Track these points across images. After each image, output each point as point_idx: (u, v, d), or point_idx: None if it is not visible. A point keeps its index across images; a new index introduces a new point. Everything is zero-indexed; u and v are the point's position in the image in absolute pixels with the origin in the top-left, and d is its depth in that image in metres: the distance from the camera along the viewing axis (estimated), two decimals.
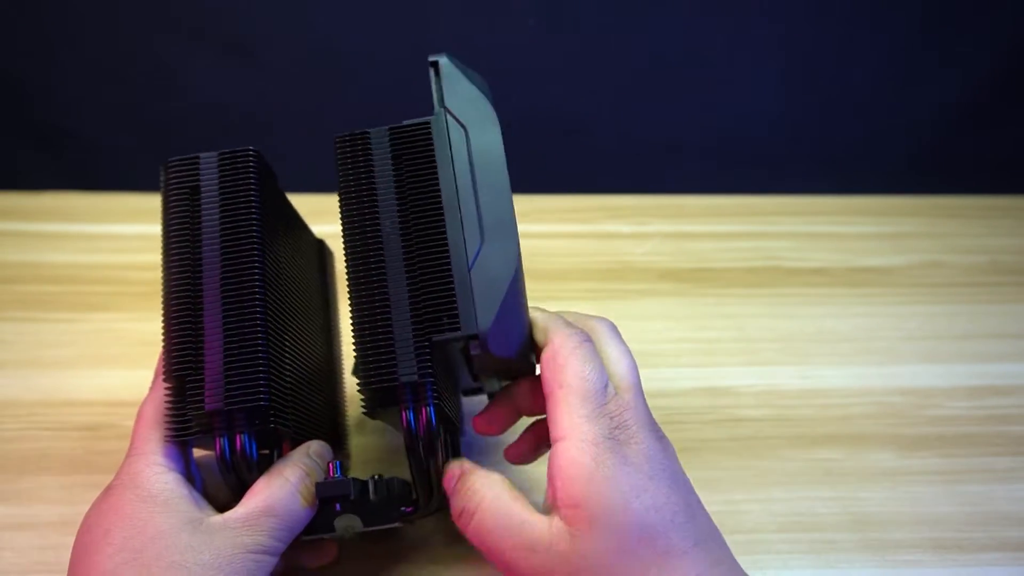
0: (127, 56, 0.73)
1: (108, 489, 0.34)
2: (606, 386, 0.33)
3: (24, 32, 0.71)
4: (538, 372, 0.36)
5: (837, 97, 0.79)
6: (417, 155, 0.36)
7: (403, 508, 0.37)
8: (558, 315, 0.37)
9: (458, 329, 0.33)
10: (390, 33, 0.72)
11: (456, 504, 0.35)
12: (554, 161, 0.77)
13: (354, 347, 0.34)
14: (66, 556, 0.42)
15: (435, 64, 0.37)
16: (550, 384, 0.34)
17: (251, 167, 0.37)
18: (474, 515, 0.33)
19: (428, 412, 0.34)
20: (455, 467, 0.36)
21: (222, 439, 0.34)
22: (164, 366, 0.35)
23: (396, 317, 0.34)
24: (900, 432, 0.52)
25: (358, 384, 0.34)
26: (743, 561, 0.43)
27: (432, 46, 0.75)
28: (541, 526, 0.32)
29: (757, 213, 0.70)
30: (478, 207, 0.34)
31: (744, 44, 0.75)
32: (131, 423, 0.50)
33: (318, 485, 0.35)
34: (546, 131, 0.76)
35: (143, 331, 0.56)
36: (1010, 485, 0.48)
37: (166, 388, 0.35)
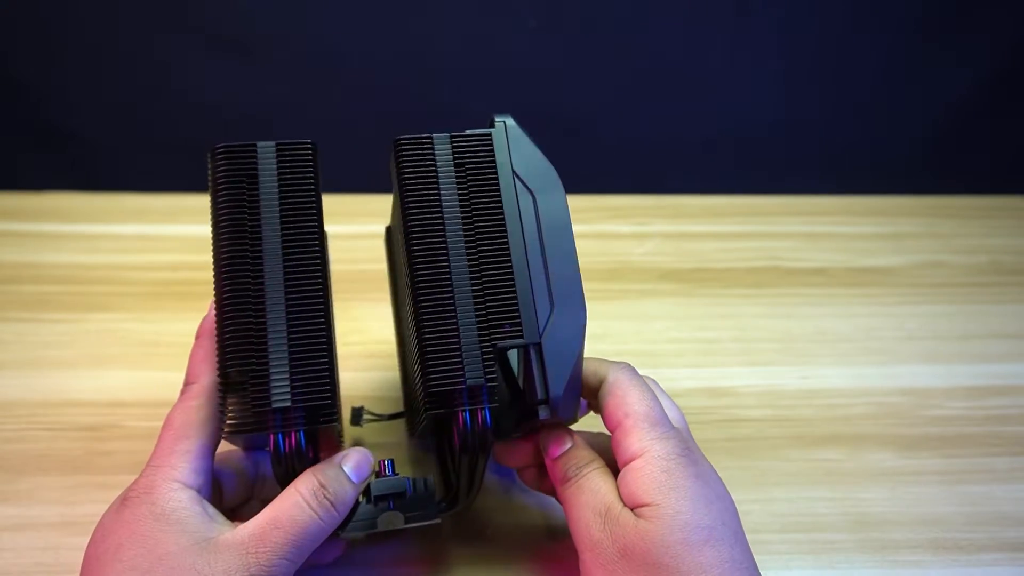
0: (127, 56, 0.73)
1: (124, 500, 0.34)
2: (663, 411, 0.37)
3: (24, 32, 0.72)
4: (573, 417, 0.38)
5: (837, 97, 0.79)
6: (481, 167, 0.38)
7: (441, 504, 0.39)
8: (604, 360, 0.39)
9: (521, 337, 0.35)
10: (390, 33, 0.72)
11: (565, 466, 0.38)
12: (554, 161, 0.76)
13: (417, 351, 0.35)
14: (66, 556, 0.42)
15: (502, 123, 0.39)
16: (615, 415, 0.37)
17: (310, 159, 0.37)
18: (583, 478, 0.37)
19: (484, 415, 0.35)
20: (565, 435, 0.39)
21: (277, 436, 0.34)
22: (221, 361, 0.34)
23: (464, 324, 0.35)
24: (900, 432, 0.52)
25: (421, 388, 0.35)
26: None
27: (432, 46, 0.75)
28: (619, 504, 0.35)
29: (757, 213, 0.70)
30: (547, 273, 0.37)
31: (744, 44, 0.75)
32: (131, 423, 0.51)
33: (373, 483, 0.37)
34: (546, 131, 0.76)
35: (143, 331, 0.56)
36: (1010, 485, 0.48)
37: (221, 383, 0.35)
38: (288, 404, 0.33)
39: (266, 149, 0.37)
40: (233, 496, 0.39)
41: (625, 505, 0.35)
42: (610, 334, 0.58)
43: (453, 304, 0.35)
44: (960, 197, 0.72)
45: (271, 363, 0.34)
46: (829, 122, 0.80)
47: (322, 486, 0.35)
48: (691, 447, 0.36)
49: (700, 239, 0.67)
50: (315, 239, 0.36)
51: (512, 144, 0.38)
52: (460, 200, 0.37)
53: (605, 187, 0.74)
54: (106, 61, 0.73)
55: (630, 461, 0.35)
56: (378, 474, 0.38)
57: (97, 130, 0.76)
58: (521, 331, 0.35)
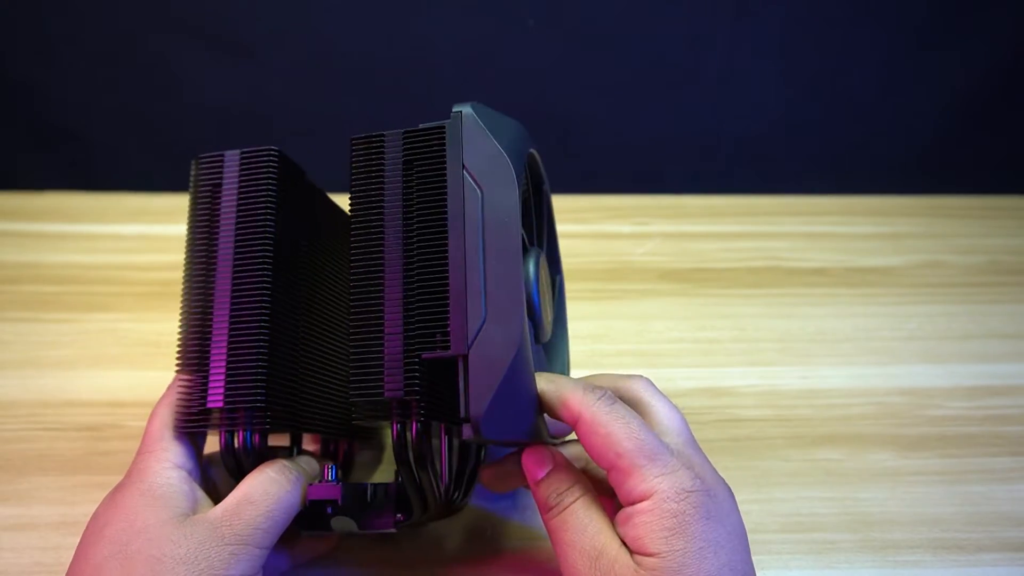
0: (127, 56, 0.73)
1: (117, 486, 0.35)
2: (658, 438, 0.33)
3: (24, 32, 0.71)
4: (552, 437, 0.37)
5: (837, 97, 0.79)
6: (429, 162, 0.35)
7: (398, 516, 0.37)
8: (576, 381, 0.35)
9: (448, 349, 0.32)
10: (390, 33, 0.72)
11: (546, 493, 0.34)
12: (554, 161, 0.76)
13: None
14: (66, 556, 0.42)
15: (458, 114, 0.35)
16: (607, 457, 0.32)
17: (271, 166, 0.37)
18: (565, 510, 0.34)
19: (415, 429, 0.33)
20: (546, 455, 0.35)
21: (226, 434, 0.35)
22: (177, 360, 0.37)
23: (389, 332, 0.33)
24: (900, 432, 0.52)
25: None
26: None
27: (432, 46, 0.75)
28: (613, 546, 0.32)
29: (757, 213, 0.70)
30: (485, 278, 0.33)
31: (744, 44, 0.75)
32: (131, 423, 0.51)
33: (309, 488, 0.36)
34: (546, 131, 0.76)
35: (143, 331, 0.56)
36: (1010, 485, 0.48)
37: (181, 381, 0.37)
38: (220, 405, 0.35)
39: (231, 158, 0.38)
40: (225, 491, 0.39)
41: (624, 545, 0.32)
42: (610, 334, 0.58)
43: (381, 311, 0.34)
44: (960, 197, 0.72)
45: (211, 365, 0.35)
46: (829, 122, 0.80)
47: (285, 465, 0.36)
48: (698, 473, 0.33)
49: (700, 239, 0.67)
50: (265, 245, 0.36)
51: (466, 136, 0.34)
52: (404, 200, 0.35)
53: (605, 187, 0.74)
54: (106, 61, 0.73)
55: (635, 503, 0.32)
56: (320, 480, 0.37)
57: (97, 130, 0.76)
58: (449, 342, 0.32)
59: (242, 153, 0.37)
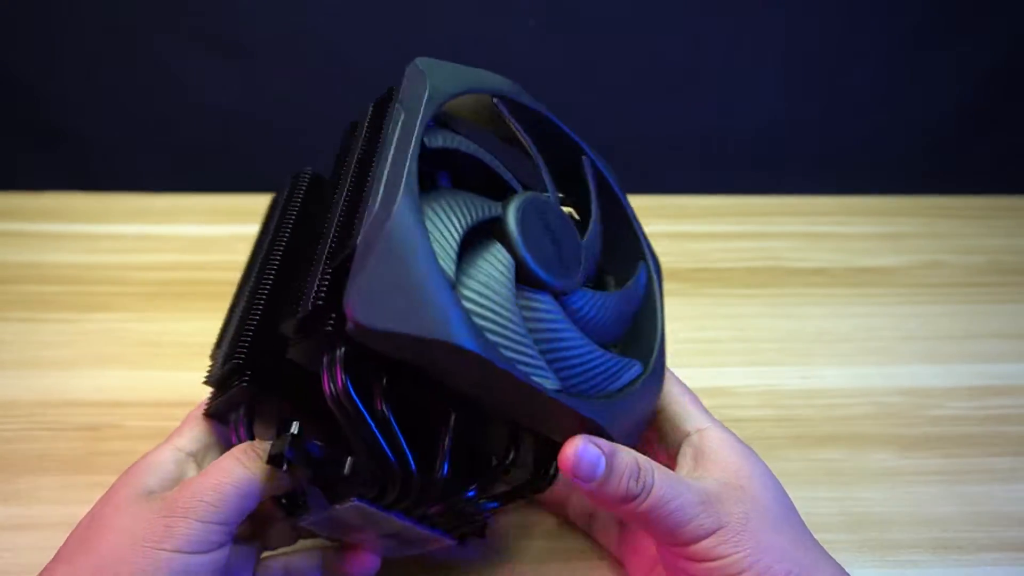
0: (127, 56, 0.73)
1: None
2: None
3: (24, 32, 0.71)
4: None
5: (837, 97, 0.79)
6: (381, 110, 0.37)
7: (356, 494, 0.32)
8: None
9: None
10: (390, 33, 0.72)
11: (623, 485, 0.32)
12: None
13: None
14: None
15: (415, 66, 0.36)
16: (671, 390, 0.38)
17: (300, 188, 0.42)
18: (653, 484, 0.32)
19: (342, 351, 0.29)
20: (591, 445, 0.32)
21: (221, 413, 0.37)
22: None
23: (316, 259, 0.33)
24: (900, 432, 0.52)
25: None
26: None
27: (432, 46, 0.75)
28: (706, 484, 0.34)
29: (757, 213, 0.70)
30: (384, 180, 0.30)
31: (744, 44, 0.75)
32: (131, 423, 0.51)
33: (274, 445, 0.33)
34: None
35: (143, 331, 0.56)
36: (1010, 485, 0.48)
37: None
38: (218, 374, 0.37)
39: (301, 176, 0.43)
40: None
41: (707, 477, 0.35)
42: None
43: (324, 243, 0.33)
44: (960, 197, 0.72)
45: (223, 346, 0.38)
46: (829, 122, 0.80)
47: (253, 446, 0.34)
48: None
49: (700, 239, 0.67)
50: (277, 253, 0.38)
51: (406, 83, 0.35)
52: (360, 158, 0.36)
53: None
54: (106, 61, 0.73)
55: (698, 431, 0.36)
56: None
57: (97, 130, 0.76)
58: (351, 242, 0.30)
59: (293, 176, 0.43)
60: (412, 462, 0.31)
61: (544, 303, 0.33)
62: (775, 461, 0.49)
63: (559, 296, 0.34)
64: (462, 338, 0.28)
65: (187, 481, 0.33)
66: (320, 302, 0.30)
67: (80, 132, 0.76)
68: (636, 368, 0.36)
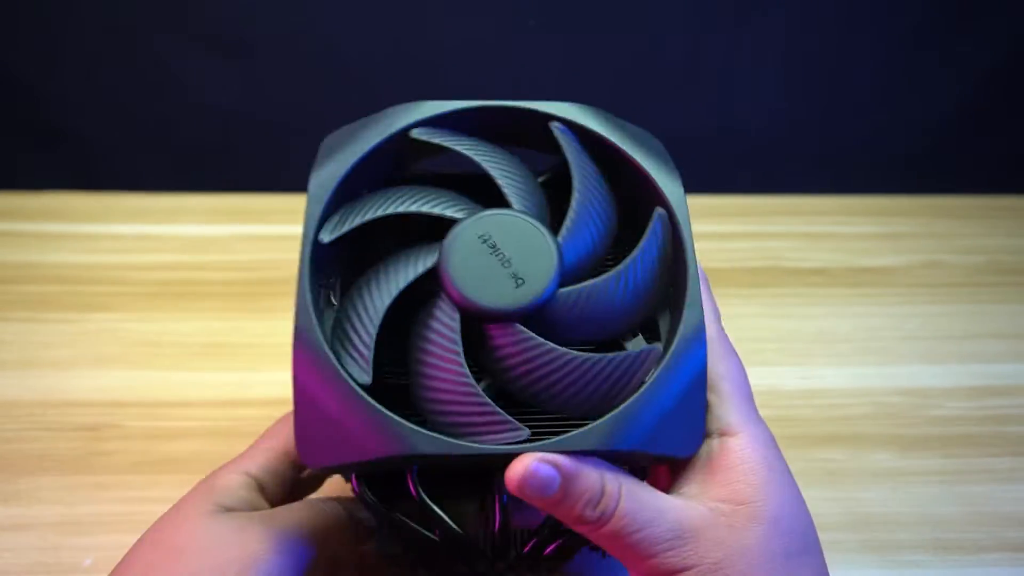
0: (127, 56, 0.73)
1: None
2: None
3: (24, 32, 0.71)
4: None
5: (837, 97, 0.78)
6: None
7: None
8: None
9: None
10: (390, 33, 0.72)
11: (578, 509, 0.28)
12: None
13: None
14: (66, 556, 0.42)
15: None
16: (712, 370, 0.31)
17: None
18: (614, 513, 0.28)
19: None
20: (542, 463, 0.28)
21: None
22: None
23: None
24: (900, 432, 0.52)
25: None
26: None
27: (432, 46, 0.75)
28: (691, 512, 0.29)
29: (757, 213, 0.70)
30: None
31: (744, 44, 0.75)
32: (131, 423, 0.51)
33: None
34: None
35: (143, 331, 0.56)
36: (1011, 485, 0.48)
37: None
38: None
39: None
40: None
41: (705, 499, 0.29)
42: None
43: None
44: (960, 197, 0.72)
45: None
46: (829, 122, 0.80)
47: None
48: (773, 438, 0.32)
49: (700, 239, 0.66)
50: None
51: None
52: None
53: None
54: (106, 61, 0.73)
55: (723, 436, 0.30)
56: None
57: (97, 130, 0.76)
58: None
59: None
60: (455, 527, 0.32)
61: (505, 336, 0.30)
62: None
63: (525, 318, 0.30)
64: (397, 447, 0.28)
65: (275, 509, 0.32)
66: None
67: (80, 132, 0.76)
68: (647, 358, 0.30)
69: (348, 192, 0.32)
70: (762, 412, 0.53)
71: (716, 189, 0.72)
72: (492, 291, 0.30)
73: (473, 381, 0.29)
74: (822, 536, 0.45)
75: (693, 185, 0.72)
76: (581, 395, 0.30)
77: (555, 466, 0.28)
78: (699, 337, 0.30)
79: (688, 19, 0.73)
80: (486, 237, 0.30)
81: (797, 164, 0.80)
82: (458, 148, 0.33)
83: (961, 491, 0.48)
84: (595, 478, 0.28)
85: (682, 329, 0.30)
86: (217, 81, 0.74)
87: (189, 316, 0.57)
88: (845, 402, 0.54)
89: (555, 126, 0.34)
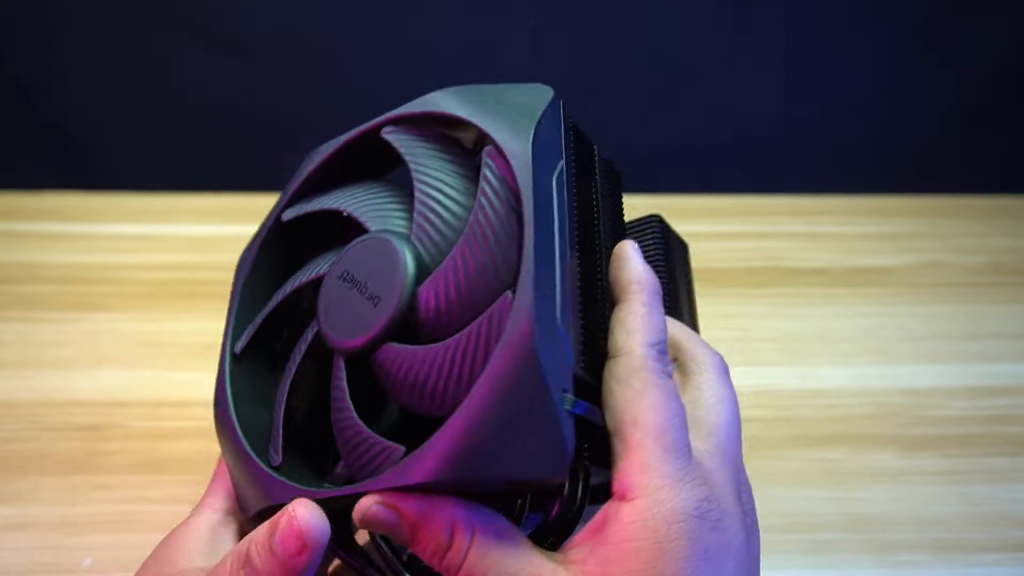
0: (127, 56, 0.73)
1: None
2: (688, 438, 0.26)
3: (24, 32, 0.71)
4: None
5: (837, 97, 0.78)
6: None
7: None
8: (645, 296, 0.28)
9: None
10: (390, 33, 0.72)
11: (424, 554, 0.25)
12: None
13: None
14: (66, 556, 0.42)
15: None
16: (621, 416, 0.26)
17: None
18: (460, 568, 0.25)
19: None
20: (382, 508, 0.25)
21: None
22: None
23: None
24: (900, 432, 0.52)
25: None
26: None
27: (432, 46, 0.75)
28: (547, 571, 0.25)
29: (757, 213, 0.70)
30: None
31: (744, 44, 0.75)
32: (131, 423, 0.51)
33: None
34: None
35: (143, 331, 0.56)
36: (1011, 485, 0.48)
37: None
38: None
39: None
40: None
41: (571, 563, 0.25)
42: None
43: None
44: (960, 197, 0.72)
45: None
46: (829, 122, 0.80)
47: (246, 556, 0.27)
48: (719, 495, 0.25)
49: (700, 239, 0.66)
50: None
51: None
52: None
53: None
54: (106, 61, 0.73)
55: (621, 499, 0.25)
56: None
57: (97, 130, 0.76)
58: None
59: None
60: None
61: (384, 358, 0.28)
62: (775, 461, 0.50)
63: (399, 333, 0.28)
64: (265, 500, 0.29)
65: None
66: None
67: (80, 132, 0.76)
68: (500, 310, 0.26)
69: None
70: (762, 412, 0.53)
71: (716, 189, 0.72)
72: (356, 324, 0.29)
73: (350, 415, 0.28)
74: (822, 536, 0.45)
75: (693, 185, 0.73)
76: (450, 386, 0.26)
77: (395, 510, 0.25)
78: (522, 329, 0.24)
79: (688, 19, 0.73)
80: (345, 274, 0.30)
81: (797, 164, 0.80)
82: (321, 208, 0.34)
83: (961, 491, 0.48)
84: (442, 527, 0.25)
85: (510, 323, 0.25)
86: (217, 81, 0.74)
87: (189, 316, 0.57)
88: (845, 402, 0.54)
89: (386, 135, 0.33)
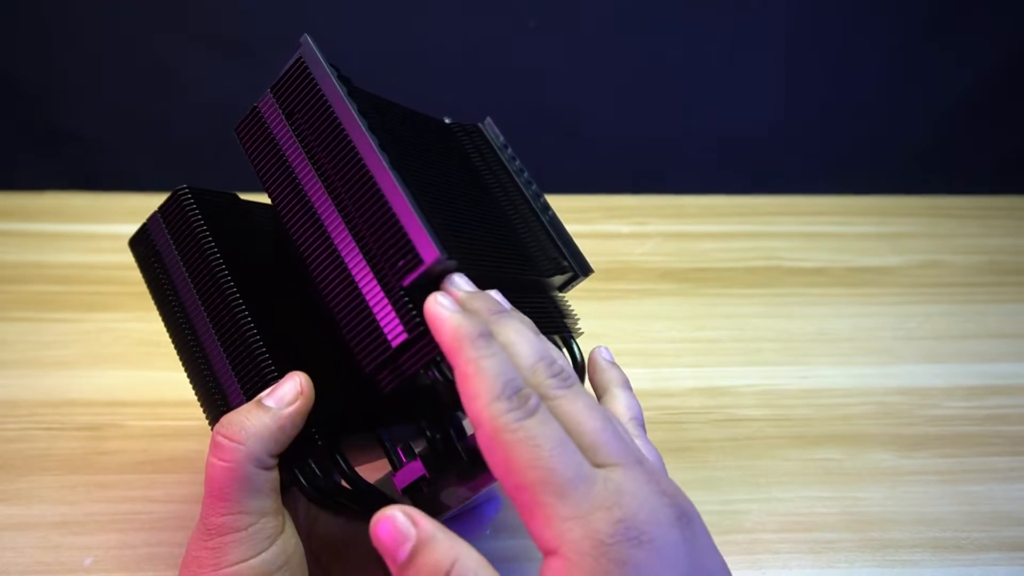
0: (127, 56, 0.73)
1: None
2: (581, 464, 0.25)
3: (24, 32, 0.72)
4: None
5: (837, 97, 0.79)
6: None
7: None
8: (498, 367, 0.26)
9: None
10: (390, 33, 0.72)
11: (424, 565, 0.25)
12: (554, 161, 0.77)
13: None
14: (66, 556, 0.42)
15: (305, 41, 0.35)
16: (506, 487, 0.25)
17: (190, 208, 0.36)
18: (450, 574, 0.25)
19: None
20: (403, 525, 0.25)
21: None
22: (206, 414, 0.36)
23: (363, 286, 0.31)
24: (900, 432, 0.52)
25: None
26: (742, 561, 0.43)
27: (432, 46, 0.75)
28: None
29: (757, 213, 0.70)
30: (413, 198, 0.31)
31: (744, 44, 0.75)
32: (131, 423, 0.51)
33: (396, 478, 0.33)
34: (546, 131, 0.76)
35: (143, 331, 0.56)
36: (1010, 485, 0.48)
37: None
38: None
39: (155, 222, 0.38)
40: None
41: None
42: (609, 333, 0.58)
43: (346, 269, 0.31)
44: (959, 197, 0.72)
45: (229, 398, 0.36)
46: (828, 122, 0.80)
47: (220, 424, 0.31)
48: (625, 511, 0.24)
49: (700, 239, 0.67)
50: (224, 277, 0.35)
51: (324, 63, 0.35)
52: (308, 156, 0.36)
53: (605, 187, 0.74)
54: (106, 61, 0.73)
55: (545, 556, 0.25)
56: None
57: (97, 130, 0.76)
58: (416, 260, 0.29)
59: (161, 211, 0.37)
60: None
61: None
62: (775, 461, 0.50)
63: None
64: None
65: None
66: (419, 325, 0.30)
67: (80, 132, 0.76)
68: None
69: None
70: (761, 412, 0.53)
71: (716, 189, 0.72)
72: None
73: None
74: (822, 536, 0.45)
75: (693, 185, 0.73)
76: None
77: (412, 523, 0.25)
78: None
79: (688, 19, 0.73)
80: None
81: (797, 164, 0.80)
82: None
83: (960, 491, 0.48)
84: (442, 555, 0.25)
85: None
86: (217, 81, 0.74)
87: None
88: (845, 402, 0.54)
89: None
